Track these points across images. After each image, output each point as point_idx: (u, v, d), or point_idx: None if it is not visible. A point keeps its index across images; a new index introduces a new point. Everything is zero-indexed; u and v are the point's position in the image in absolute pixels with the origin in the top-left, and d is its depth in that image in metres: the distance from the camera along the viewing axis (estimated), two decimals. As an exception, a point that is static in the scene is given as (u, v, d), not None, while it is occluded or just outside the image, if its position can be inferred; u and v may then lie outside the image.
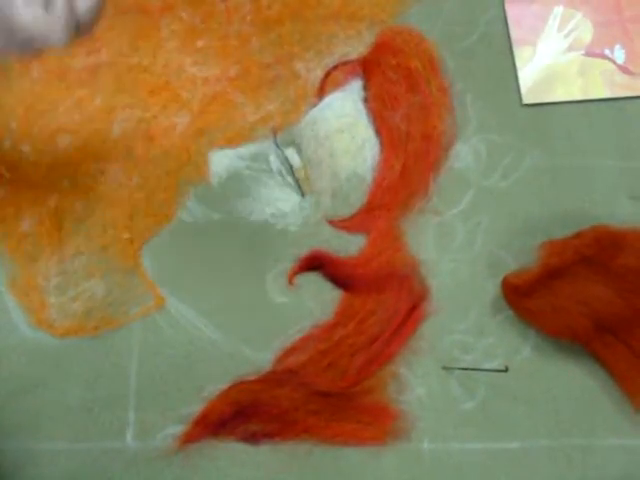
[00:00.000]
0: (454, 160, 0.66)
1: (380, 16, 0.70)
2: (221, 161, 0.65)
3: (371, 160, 0.65)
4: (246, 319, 0.60)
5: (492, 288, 0.62)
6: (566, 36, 0.71)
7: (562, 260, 0.59)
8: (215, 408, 0.57)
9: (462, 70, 0.68)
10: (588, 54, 0.70)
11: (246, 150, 0.66)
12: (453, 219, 0.64)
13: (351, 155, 0.65)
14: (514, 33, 0.70)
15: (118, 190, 0.63)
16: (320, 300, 0.61)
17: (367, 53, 0.68)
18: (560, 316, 0.58)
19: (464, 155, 0.66)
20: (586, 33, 0.71)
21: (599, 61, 0.70)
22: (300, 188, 0.64)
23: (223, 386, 0.57)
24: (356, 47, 0.69)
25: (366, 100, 0.67)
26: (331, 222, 0.64)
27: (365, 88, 0.67)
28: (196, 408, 0.57)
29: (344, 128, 0.65)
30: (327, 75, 0.68)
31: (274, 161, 0.65)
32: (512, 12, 0.71)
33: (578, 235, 0.60)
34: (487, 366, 0.59)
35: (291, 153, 0.65)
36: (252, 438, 0.57)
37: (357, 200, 0.64)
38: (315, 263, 0.62)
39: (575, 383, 0.59)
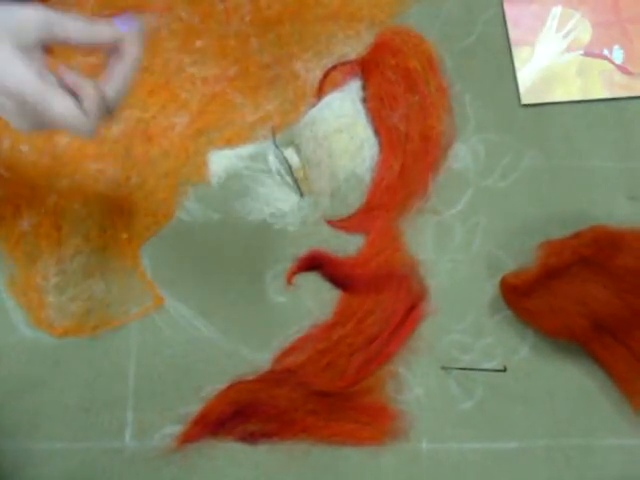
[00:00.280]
0: (453, 160, 0.66)
1: (379, 16, 0.70)
2: (220, 161, 0.65)
3: (370, 160, 0.65)
4: (245, 319, 0.60)
5: (490, 288, 0.62)
6: (565, 36, 0.71)
7: (560, 260, 0.59)
8: (214, 408, 0.57)
9: (461, 70, 0.68)
10: (587, 54, 0.70)
11: (245, 150, 0.66)
12: (452, 219, 0.64)
13: (350, 155, 0.65)
14: (513, 33, 0.70)
15: (117, 190, 0.63)
16: (319, 300, 0.61)
17: (366, 53, 0.68)
18: (558, 316, 0.58)
19: (463, 155, 0.66)
20: (585, 33, 0.71)
21: (598, 61, 0.70)
22: (299, 188, 0.64)
23: (221, 386, 0.57)
24: (355, 47, 0.68)
25: (365, 100, 0.67)
26: (330, 222, 0.64)
27: (364, 88, 0.67)
28: (194, 408, 0.57)
29: (343, 128, 0.65)
30: (326, 75, 0.68)
31: (273, 161, 0.65)
32: (511, 12, 0.71)
33: (577, 235, 0.60)
34: (485, 366, 0.59)
35: (290, 153, 0.65)
36: (250, 438, 0.57)
37: (356, 200, 0.64)
38: (314, 263, 0.62)
39: (573, 383, 0.59)
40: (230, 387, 0.58)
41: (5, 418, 0.57)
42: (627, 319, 0.58)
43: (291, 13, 0.70)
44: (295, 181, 0.64)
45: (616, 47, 0.70)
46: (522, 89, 0.68)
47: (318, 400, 0.57)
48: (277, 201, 0.64)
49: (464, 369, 0.59)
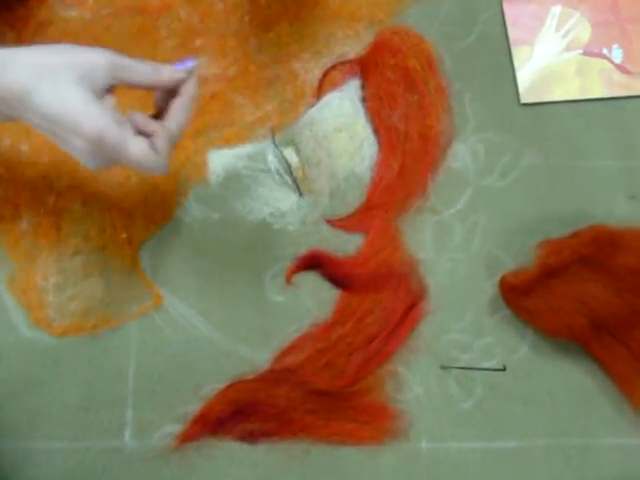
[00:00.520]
0: (452, 160, 0.66)
1: (378, 16, 0.70)
2: (219, 161, 0.65)
3: (369, 160, 0.65)
4: (244, 318, 0.60)
5: (490, 287, 0.62)
6: (564, 36, 0.71)
7: (560, 260, 0.59)
8: (213, 407, 0.57)
9: (460, 70, 0.68)
10: (586, 54, 0.70)
11: (244, 150, 0.66)
12: (451, 218, 0.64)
13: (349, 155, 0.65)
14: (512, 33, 0.70)
15: (116, 190, 0.63)
16: (318, 299, 0.61)
17: (365, 53, 0.68)
18: (558, 315, 0.58)
19: (462, 155, 0.66)
20: (584, 33, 0.71)
21: (597, 61, 0.70)
22: (298, 188, 0.64)
23: (221, 385, 0.58)
24: (354, 47, 0.69)
25: (364, 100, 0.67)
26: (329, 221, 0.64)
27: (363, 88, 0.67)
28: (194, 407, 0.57)
29: (342, 128, 0.65)
30: (325, 75, 0.68)
31: (272, 161, 0.65)
32: (510, 12, 0.71)
33: (576, 234, 0.60)
34: (485, 365, 0.59)
35: (289, 153, 0.65)
36: (250, 437, 0.57)
37: (355, 199, 0.64)
38: (313, 262, 0.62)
39: (573, 382, 0.59)
40: (229, 386, 0.58)
41: (5, 417, 0.57)
42: (626, 318, 0.58)
43: (290, 13, 0.70)
44: (294, 181, 0.64)
45: (615, 46, 0.70)
46: (521, 88, 0.68)
47: (317, 399, 0.57)
48: (276, 201, 0.64)
49: (463, 368, 0.59)
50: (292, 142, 0.66)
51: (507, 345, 0.60)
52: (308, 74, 0.68)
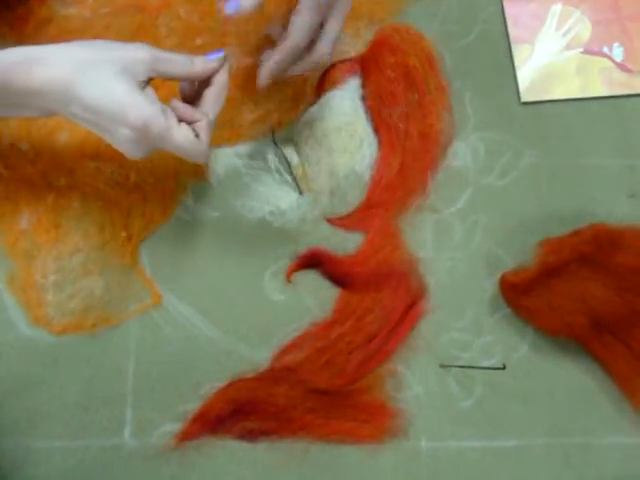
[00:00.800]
0: (452, 158, 0.66)
1: (378, 14, 0.70)
2: (219, 159, 0.65)
3: (369, 158, 0.65)
4: (244, 317, 0.60)
5: (490, 286, 0.62)
6: (564, 34, 0.71)
7: (560, 258, 0.59)
8: (213, 406, 0.57)
9: (460, 68, 0.68)
10: (586, 52, 0.70)
11: (244, 148, 0.66)
12: (451, 217, 0.64)
13: (349, 153, 0.65)
14: (512, 31, 0.70)
15: (116, 188, 0.63)
16: (318, 298, 0.61)
17: (365, 51, 0.68)
18: (558, 314, 0.58)
19: (462, 153, 0.66)
20: (584, 31, 0.71)
21: (597, 59, 0.70)
22: (298, 186, 0.64)
23: (221, 384, 0.57)
24: (354, 45, 0.68)
25: (364, 98, 0.67)
26: (329, 220, 0.64)
27: (363, 86, 0.67)
28: (193, 406, 0.57)
29: (342, 126, 0.65)
30: (325, 73, 0.68)
31: (272, 159, 0.65)
32: (510, 10, 0.71)
33: (576, 233, 0.60)
34: (485, 364, 0.59)
35: (289, 151, 0.65)
36: (249, 436, 0.57)
37: (355, 198, 0.64)
38: (313, 261, 0.62)
39: (573, 381, 0.59)
40: (229, 385, 0.57)
41: (4, 416, 0.57)
42: (627, 317, 0.58)
43: (290, 11, 0.70)
44: (294, 179, 0.64)
45: (616, 45, 0.70)
46: (522, 87, 0.68)
47: (317, 398, 0.57)
48: (276, 199, 0.64)
49: (463, 367, 0.59)
50: (292, 141, 0.66)
51: (507, 344, 0.60)
52: (308, 72, 0.68)
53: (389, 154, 0.65)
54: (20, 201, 0.62)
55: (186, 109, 0.53)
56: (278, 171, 0.65)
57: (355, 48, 0.68)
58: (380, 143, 0.65)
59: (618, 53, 0.70)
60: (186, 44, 0.68)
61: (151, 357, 0.59)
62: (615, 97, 0.68)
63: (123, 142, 0.50)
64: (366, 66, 0.67)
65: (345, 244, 0.63)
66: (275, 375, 0.58)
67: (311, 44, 0.56)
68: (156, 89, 0.52)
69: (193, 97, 0.55)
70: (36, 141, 0.64)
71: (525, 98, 0.68)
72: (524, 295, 0.59)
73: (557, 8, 0.72)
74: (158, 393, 0.58)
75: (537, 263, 0.59)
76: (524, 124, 0.67)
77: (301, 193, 0.64)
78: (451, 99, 0.67)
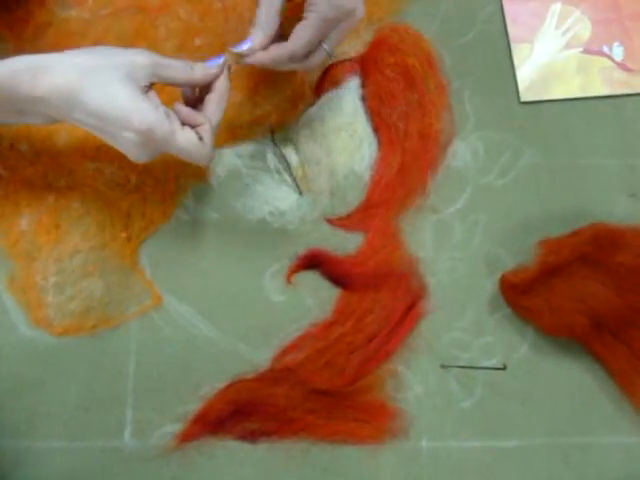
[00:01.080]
0: (452, 158, 0.66)
1: (377, 14, 0.70)
2: (219, 160, 0.65)
3: (369, 158, 0.65)
4: (244, 317, 0.60)
5: (490, 286, 0.62)
6: (564, 33, 0.70)
7: (560, 258, 0.59)
8: (213, 406, 0.57)
9: (460, 68, 0.68)
10: (586, 51, 0.70)
11: (244, 149, 0.66)
12: (451, 217, 0.64)
13: (349, 153, 0.65)
14: (512, 30, 0.70)
15: (116, 189, 0.63)
16: (318, 298, 0.61)
17: (364, 51, 0.68)
18: (558, 314, 0.58)
19: (462, 153, 0.66)
20: (584, 30, 0.71)
21: (597, 58, 0.69)
22: (298, 186, 0.64)
23: (221, 384, 0.58)
24: (353, 45, 0.68)
25: (364, 98, 0.67)
26: (329, 220, 0.64)
27: (363, 86, 0.67)
28: (194, 406, 0.57)
29: (342, 126, 0.65)
30: (325, 73, 0.67)
31: (272, 159, 0.65)
32: (510, 9, 0.71)
33: (576, 233, 0.60)
34: (485, 364, 0.59)
35: (289, 151, 0.65)
36: (250, 436, 0.57)
37: (355, 198, 0.64)
38: (313, 261, 0.62)
39: (573, 381, 0.59)
40: (229, 386, 0.58)
41: (4, 417, 0.57)
42: (627, 317, 0.58)
43: (290, 11, 0.69)
44: (294, 179, 0.64)
45: (616, 44, 0.70)
46: (521, 87, 0.68)
47: (317, 399, 0.57)
48: (276, 200, 0.64)
49: (464, 367, 0.59)
50: (292, 141, 0.66)
51: (507, 344, 0.60)
52: (307, 73, 0.67)
53: (389, 154, 0.65)
54: (20, 202, 0.62)
55: (189, 113, 0.53)
56: (278, 171, 0.65)
57: (354, 48, 0.68)
58: (380, 143, 0.65)
59: (618, 52, 0.69)
60: (186, 45, 0.68)
61: (151, 358, 0.59)
62: (615, 96, 0.68)
63: (128, 146, 0.51)
64: (365, 66, 0.67)
65: (345, 244, 0.63)
66: (275, 376, 0.58)
67: (307, 53, 0.57)
68: (159, 93, 0.53)
69: (196, 101, 0.56)
70: (36, 142, 0.64)
71: (525, 97, 0.68)
72: (524, 295, 0.59)
73: (557, 7, 0.71)
74: (158, 394, 0.58)
75: (537, 263, 0.59)
76: (524, 124, 0.67)
77: (301, 193, 0.64)
78: (450, 99, 0.67)
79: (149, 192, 0.63)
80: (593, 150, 0.66)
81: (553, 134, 0.67)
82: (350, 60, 0.68)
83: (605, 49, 0.70)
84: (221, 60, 0.55)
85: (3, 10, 0.68)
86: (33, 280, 0.60)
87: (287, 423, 0.57)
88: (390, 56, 0.66)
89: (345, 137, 0.65)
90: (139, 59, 0.51)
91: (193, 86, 0.55)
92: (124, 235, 0.62)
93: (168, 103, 0.53)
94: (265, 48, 0.55)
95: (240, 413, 0.57)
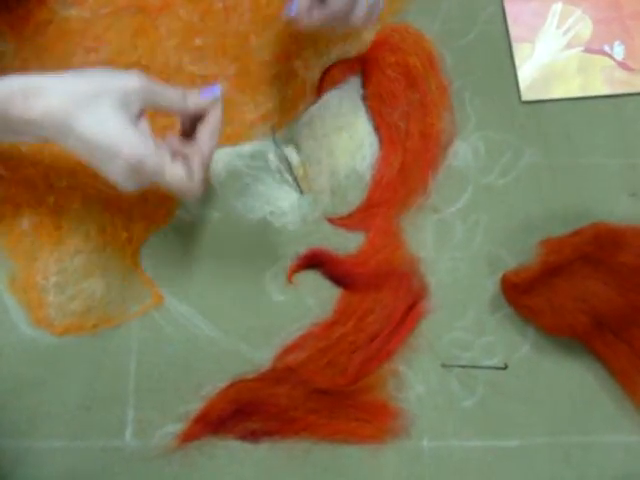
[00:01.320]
0: (453, 158, 0.66)
1: (379, 14, 0.70)
2: (220, 159, 0.65)
3: (370, 158, 0.65)
4: (245, 317, 0.60)
5: (491, 286, 0.62)
6: (565, 33, 0.70)
7: (561, 258, 0.59)
8: (214, 406, 0.57)
9: (461, 67, 0.68)
10: (587, 51, 0.70)
11: (245, 148, 0.66)
12: (452, 217, 0.64)
13: (350, 153, 0.65)
14: (513, 30, 0.70)
15: (116, 189, 0.63)
16: (319, 298, 0.61)
17: (366, 51, 0.68)
18: (559, 314, 0.58)
19: (463, 153, 0.66)
20: (585, 30, 0.70)
21: (599, 58, 0.69)
22: (299, 186, 0.64)
23: (222, 384, 0.57)
24: (355, 45, 0.68)
25: (365, 98, 0.67)
26: (330, 220, 0.64)
27: (364, 86, 0.67)
28: (195, 406, 0.57)
29: (343, 126, 0.65)
30: (326, 73, 0.67)
31: (273, 159, 0.65)
32: (511, 9, 0.71)
33: (577, 232, 0.60)
34: (486, 364, 0.59)
35: (290, 151, 0.65)
36: (251, 436, 0.57)
37: (356, 198, 0.64)
38: (314, 261, 0.62)
39: (574, 380, 0.59)
40: (231, 385, 0.58)
41: (5, 416, 0.57)
42: (628, 316, 0.58)
43: (290, 11, 0.70)
44: (295, 179, 0.64)
45: (617, 43, 0.70)
46: (522, 86, 0.68)
47: (319, 398, 0.57)
48: (277, 199, 0.64)
49: (465, 367, 0.59)
50: (293, 140, 0.66)
51: (508, 343, 0.60)
52: (308, 72, 0.68)
53: (390, 154, 0.65)
54: (21, 202, 0.62)
55: (180, 145, 0.53)
56: (279, 171, 0.65)
57: (355, 48, 0.68)
58: (381, 143, 0.65)
59: (619, 52, 0.69)
60: (186, 44, 0.68)
61: (152, 358, 0.59)
62: (616, 96, 0.68)
63: (117, 176, 0.51)
64: (367, 66, 0.67)
65: (346, 244, 0.63)
66: (277, 375, 0.58)
67: (349, 9, 0.56)
68: (155, 117, 0.52)
69: (191, 128, 0.55)
70: (37, 143, 0.63)
71: (526, 97, 0.68)
72: (525, 295, 0.59)
73: (558, 7, 0.71)
74: (159, 394, 0.58)
75: (538, 262, 0.59)
76: (525, 123, 0.67)
77: (302, 193, 0.64)
78: (452, 98, 0.67)
79: (150, 192, 0.63)
80: (594, 149, 0.66)
81: (554, 134, 0.67)
82: (351, 60, 0.68)
83: (606, 48, 0.70)
84: (216, 90, 0.54)
85: (3, 8, 0.68)
86: (34, 280, 0.60)
87: (288, 423, 0.57)
88: (391, 56, 0.66)
89: (346, 137, 0.65)
90: (133, 84, 0.50)
91: (185, 115, 0.55)
92: (125, 235, 0.61)
93: (166, 127, 0.53)
94: (309, 10, 0.54)
95: (241, 413, 0.57)
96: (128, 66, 0.67)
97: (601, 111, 0.68)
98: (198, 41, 0.68)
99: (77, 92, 0.49)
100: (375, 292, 0.60)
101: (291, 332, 0.60)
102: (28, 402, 0.57)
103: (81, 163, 0.62)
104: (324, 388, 0.57)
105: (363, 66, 0.67)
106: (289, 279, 0.61)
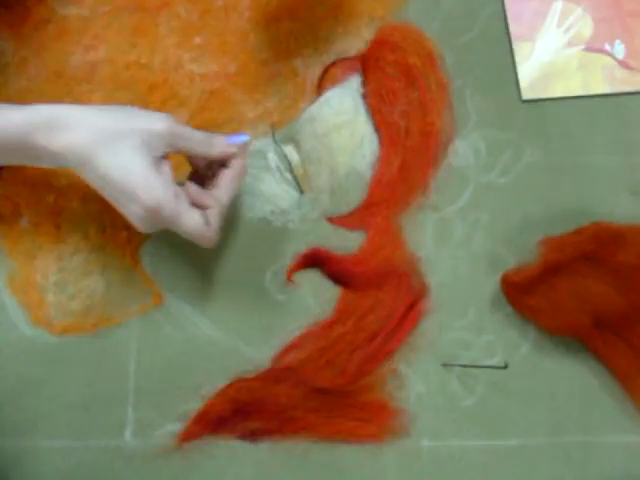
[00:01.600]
0: (453, 156, 0.65)
1: (378, 12, 0.70)
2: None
3: (370, 156, 0.65)
4: (245, 316, 0.60)
5: (491, 285, 0.62)
6: (566, 31, 0.70)
7: (562, 257, 0.59)
8: (214, 406, 0.57)
9: (461, 66, 0.68)
10: (588, 49, 0.70)
11: (245, 147, 0.66)
12: (452, 216, 0.64)
13: (350, 152, 0.65)
14: (513, 28, 0.70)
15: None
16: (319, 297, 0.61)
17: (366, 49, 0.68)
18: (560, 313, 0.58)
19: (463, 151, 0.66)
20: (586, 28, 0.70)
21: (599, 56, 0.69)
22: (299, 185, 0.64)
23: (222, 384, 0.57)
24: (354, 43, 0.68)
25: (365, 96, 0.66)
26: (330, 219, 0.63)
27: (364, 84, 0.67)
28: (195, 406, 0.57)
29: (343, 125, 0.65)
30: (325, 71, 0.67)
31: (273, 158, 0.65)
32: (511, 7, 0.71)
33: (578, 231, 0.60)
34: (486, 363, 0.59)
35: (290, 150, 0.65)
36: (251, 436, 0.57)
37: (356, 197, 0.64)
38: (314, 260, 0.62)
39: (575, 380, 0.59)
40: (230, 385, 0.57)
41: (5, 416, 0.57)
42: (629, 315, 0.58)
43: (290, 9, 0.69)
44: (295, 178, 0.64)
45: (617, 42, 0.70)
46: (523, 85, 0.68)
47: (319, 398, 0.57)
48: (277, 198, 0.64)
49: (465, 366, 0.59)
50: (292, 139, 0.65)
51: (509, 343, 0.60)
52: (308, 71, 0.67)
53: (390, 152, 0.65)
54: (21, 201, 0.62)
55: (199, 194, 0.52)
56: (279, 170, 0.65)
57: (355, 46, 0.68)
58: (381, 141, 0.65)
59: (620, 50, 0.69)
60: (185, 43, 0.68)
61: (152, 357, 0.59)
62: (617, 94, 0.68)
63: (133, 217, 0.51)
64: (366, 64, 0.67)
65: (346, 243, 0.62)
66: (276, 375, 0.58)
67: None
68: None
69: (205, 170, 0.56)
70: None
71: (526, 96, 0.68)
72: (526, 294, 0.59)
73: (558, 5, 0.71)
74: (159, 393, 0.58)
75: (539, 262, 0.59)
76: (525, 122, 0.67)
77: (302, 192, 0.64)
78: (452, 97, 0.67)
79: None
80: (595, 148, 0.66)
81: (555, 132, 0.67)
82: (351, 58, 0.68)
83: (607, 47, 0.70)
84: (243, 138, 0.55)
85: (2, 7, 0.68)
86: (33, 279, 0.60)
87: (288, 422, 0.57)
88: (391, 54, 0.66)
89: (346, 135, 0.65)
90: (159, 127, 0.50)
91: (209, 159, 0.55)
92: (125, 234, 0.61)
93: (179, 166, 0.52)
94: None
95: (241, 412, 0.57)
96: (128, 64, 0.67)
97: (602, 110, 0.67)
98: (198, 39, 0.68)
99: (102, 129, 0.49)
100: (375, 291, 0.60)
101: (291, 331, 0.59)
102: (28, 402, 0.57)
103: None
104: (324, 387, 0.57)
105: (363, 65, 0.67)
106: (289, 278, 0.61)
